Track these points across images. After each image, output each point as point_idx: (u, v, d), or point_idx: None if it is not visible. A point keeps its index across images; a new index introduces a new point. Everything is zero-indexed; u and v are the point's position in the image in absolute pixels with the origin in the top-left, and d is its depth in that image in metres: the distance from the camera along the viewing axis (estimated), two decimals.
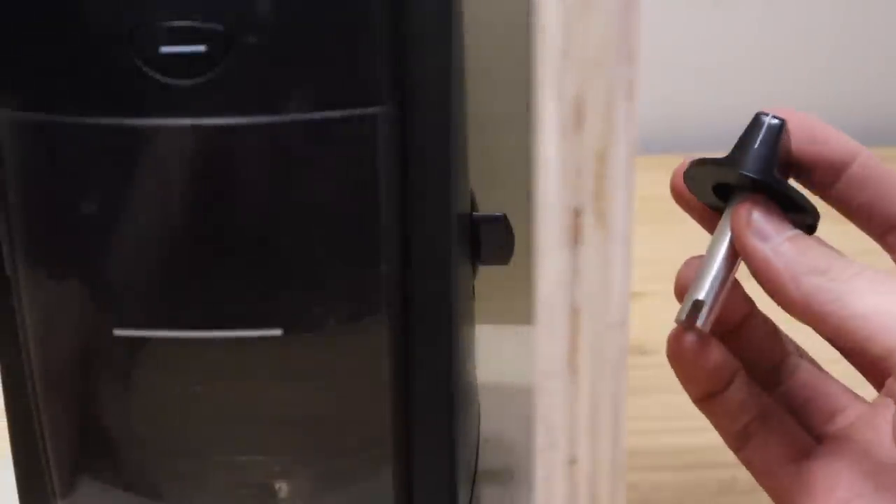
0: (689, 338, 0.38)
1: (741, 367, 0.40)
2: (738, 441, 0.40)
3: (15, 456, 0.40)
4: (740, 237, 0.37)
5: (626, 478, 0.29)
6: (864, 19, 0.95)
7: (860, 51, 0.96)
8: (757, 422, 0.40)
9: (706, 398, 0.40)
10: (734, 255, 0.38)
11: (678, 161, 0.40)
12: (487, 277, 0.45)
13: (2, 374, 0.38)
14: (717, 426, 0.41)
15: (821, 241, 0.37)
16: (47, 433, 0.39)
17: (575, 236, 0.27)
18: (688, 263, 0.39)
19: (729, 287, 0.38)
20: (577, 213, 0.27)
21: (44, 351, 0.37)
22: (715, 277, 0.37)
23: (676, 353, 0.39)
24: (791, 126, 0.38)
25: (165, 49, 0.33)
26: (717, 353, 0.39)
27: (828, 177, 0.39)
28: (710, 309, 0.37)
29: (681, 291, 0.39)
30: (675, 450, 0.54)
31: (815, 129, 0.39)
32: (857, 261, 0.36)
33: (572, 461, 0.29)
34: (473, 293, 0.46)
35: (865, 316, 0.34)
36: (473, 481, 0.46)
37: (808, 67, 0.96)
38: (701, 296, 0.37)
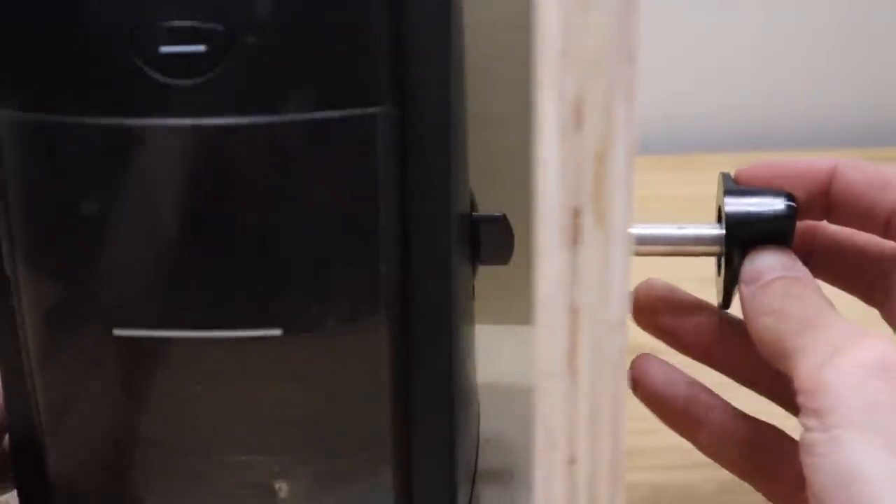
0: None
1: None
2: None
3: (15, 456, 0.40)
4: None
5: (626, 478, 0.29)
6: (864, 19, 0.95)
7: (860, 51, 0.96)
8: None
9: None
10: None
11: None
12: (487, 277, 0.45)
13: (2, 373, 0.38)
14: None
15: (803, 282, 0.37)
16: (47, 433, 0.39)
17: (575, 236, 0.27)
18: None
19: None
20: (576, 213, 0.27)
21: (44, 351, 0.37)
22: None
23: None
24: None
25: (165, 49, 0.33)
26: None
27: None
28: None
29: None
30: (675, 450, 0.54)
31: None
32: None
33: (572, 461, 0.29)
34: (473, 293, 0.46)
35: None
36: (473, 481, 0.46)
37: (808, 67, 0.95)
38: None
